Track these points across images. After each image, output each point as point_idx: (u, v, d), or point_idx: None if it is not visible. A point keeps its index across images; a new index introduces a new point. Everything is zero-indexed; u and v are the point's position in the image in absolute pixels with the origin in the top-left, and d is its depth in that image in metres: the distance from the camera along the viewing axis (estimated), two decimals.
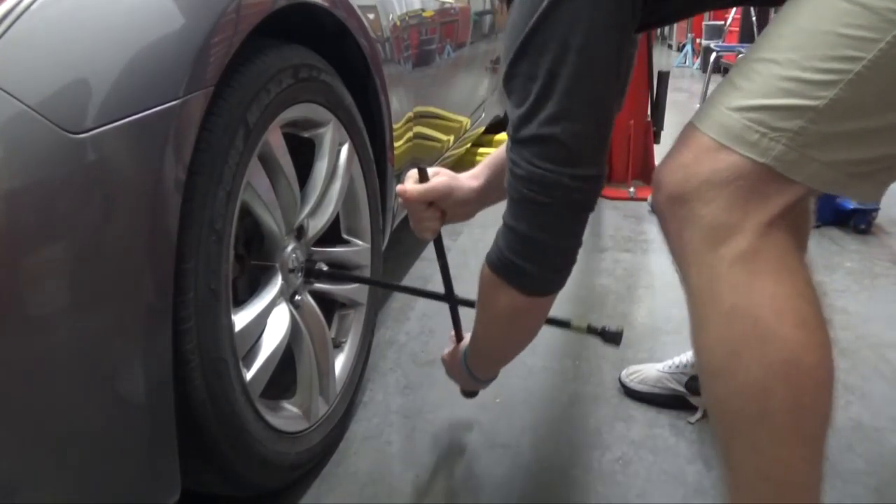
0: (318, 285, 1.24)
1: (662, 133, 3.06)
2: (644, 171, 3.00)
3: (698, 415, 1.34)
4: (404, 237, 2.39)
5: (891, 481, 1.17)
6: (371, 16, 1.36)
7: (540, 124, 0.77)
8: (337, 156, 1.23)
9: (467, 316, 1.13)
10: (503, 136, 3.45)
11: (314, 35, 1.18)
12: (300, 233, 1.17)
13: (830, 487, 1.16)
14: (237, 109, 0.91)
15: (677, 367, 1.38)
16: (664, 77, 2.93)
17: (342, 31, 1.23)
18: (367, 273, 1.38)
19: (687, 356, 1.38)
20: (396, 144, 1.54)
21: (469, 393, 1.27)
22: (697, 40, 8.46)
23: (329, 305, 1.31)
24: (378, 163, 1.41)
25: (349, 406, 1.32)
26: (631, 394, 1.42)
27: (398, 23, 1.57)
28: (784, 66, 0.67)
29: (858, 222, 2.39)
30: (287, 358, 1.11)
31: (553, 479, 1.19)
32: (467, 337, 1.14)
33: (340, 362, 1.30)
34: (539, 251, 0.85)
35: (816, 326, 0.68)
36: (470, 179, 1.10)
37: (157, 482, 0.83)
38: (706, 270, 0.70)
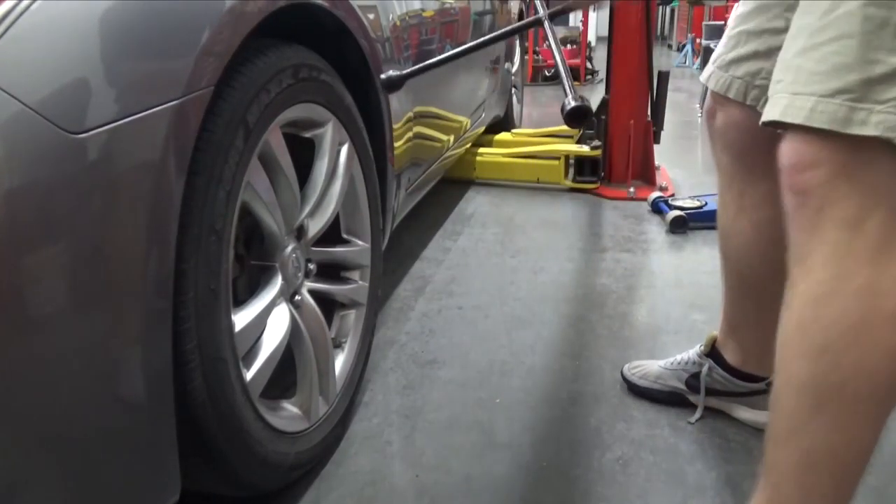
0: (318, 285, 1.24)
1: (662, 133, 3.06)
2: (644, 171, 3.00)
3: (698, 414, 1.34)
4: (404, 237, 2.39)
5: (891, 481, 1.17)
6: (371, 16, 1.36)
7: None
8: (337, 156, 1.23)
9: None
10: (503, 135, 3.46)
11: (314, 35, 1.18)
12: (300, 233, 1.17)
13: None
14: (237, 109, 0.91)
15: (679, 364, 1.38)
16: (664, 77, 2.93)
17: (342, 31, 1.23)
18: (366, 273, 1.38)
19: (689, 354, 1.38)
20: (396, 144, 1.54)
21: None
22: (697, 40, 8.46)
23: (329, 305, 1.31)
24: (378, 163, 1.41)
25: (349, 406, 1.32)
26: (632, 388, 1.43)
27: (398, 23, 1.57)
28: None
29: None
30: (287, 358, 1.11)
31: (553, 479, 1.19)
32: None
33: (340, 362, 1.30)
34: None
35: None
36: None
37: (157, 482, 0.83)
38: (842, 248, 0.72)
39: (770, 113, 0.77)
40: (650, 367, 1.43)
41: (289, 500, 1.14)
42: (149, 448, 0.80)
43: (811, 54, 0.73)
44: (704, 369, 1.33)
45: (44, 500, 0.70)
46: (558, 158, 3.01)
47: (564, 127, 3.45)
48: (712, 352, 1.34)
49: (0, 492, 0.66)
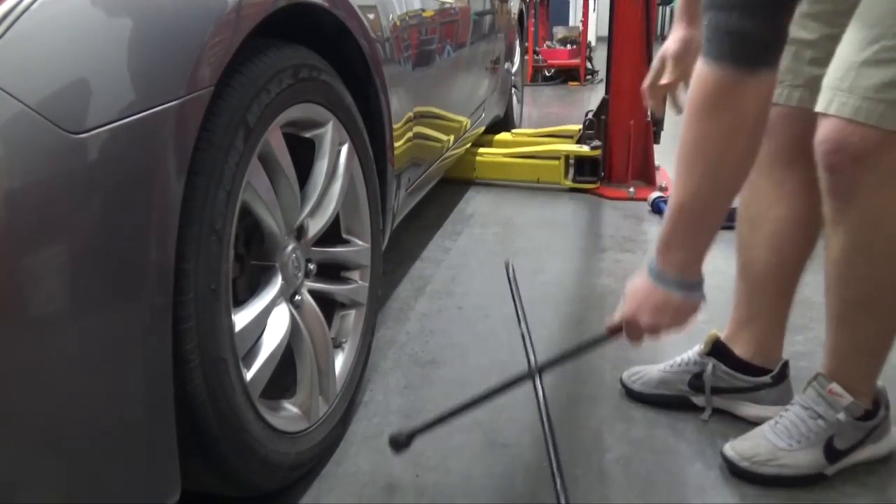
0: (318, 285, 1.24)
1: (662, 133, 3.06)
2: (644, 171, 3.00)
3: (708, 412, 1.34)
4: (404, 237, 2.39)
5: (891, 481, 1.17)
6: (371, 16, 1.36)
7: None
8: (337, 156, 1.23)
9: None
10: (503, 135, 3.46)
11: (314, 35, 1.18)
12: (300, 233, 1.17)
13: (830, 487, 1.16)
14: (237, 109, 0.91)
15: (679, 365, 1.38)
16: None
17: (342, 31, 1.23)
18: (366, 273, 1.38)
19: (689, 355, 1.38)
20: (396, 144, 1.54)
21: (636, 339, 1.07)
22: None
23: (329, 305, 1.31)
24: (378, 163, 1.41)
25: (349, 406, 1.32)
26: (633, 395, 1.41)
27: (398, 23, 1.57)
28: None
29: None
30: (287, 358, 1.11)
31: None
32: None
33: (340, 362, 1.30)
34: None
35: None
36: (684, 27, 1.25)
37: (157, 482, 0.83)
38: (878, 205, 1.02)
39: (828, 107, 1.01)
40: (650, 373, 1.42)
41: (289, 500, 1.14)
42: (149, 448, 0.80)
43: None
44: (709, 368, 1.33)
45: (44, 500, 0.70)
46: (558, 158, 3.01)
47: (564, 127, 3.45)
48: (714, 350, 1.34)
49: (0, 492, 0.66)
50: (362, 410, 1.39)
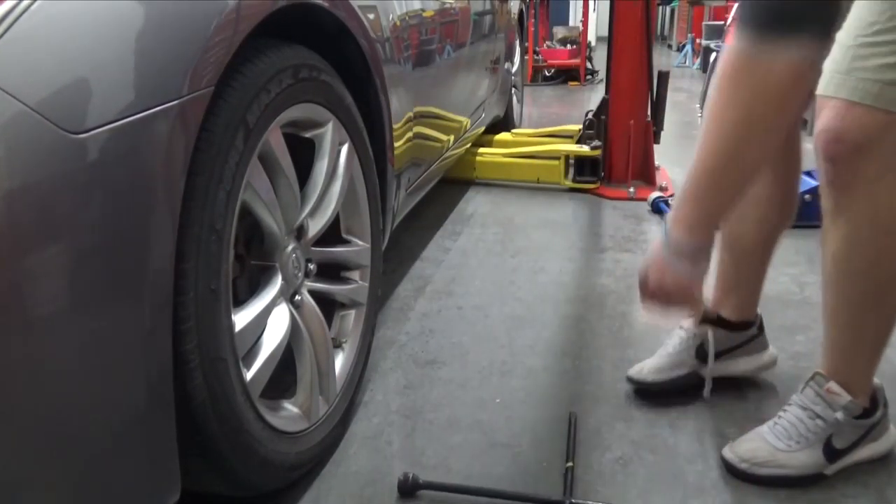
0: (318, 285, 1.24)
1: (662, 133, 3.06)
2: (644, 171, 3.00)
3: (708, 386, 1.38)
4: (404, 237, 2.39)
5: (891, 481, 1.17)
6: (371, 16, 1.36)
7: None
8: (337, 156, 1.23)
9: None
10: (503, 135, 3.46)
11: (314, 35, 1.18)
12: (300, 233, 1.17)
13: (830, 487, 1.16)
14: (237, 109, 0.91)
15: (679, 344, 1.42)
16: (664, 77, 2.93)
17: (342, 31, 1.23)
18: (366, 273, 1.38)
19: (681, 333, 1.42)
20: (396, 144, 1.54)
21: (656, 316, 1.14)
22: (697, 40, 8.46)
23: (329, 305, 1.31)
24: (378, 163, 1.41)
25: (349, 406, 1.32)
26: (645, 387, 1.41)
27: (398, 23, 1.57)
28: None
29: None
30: (287, 358, 1.11)
31: (553, 479, 1.19)
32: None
33: (340, 362, 1.30)
34: None
35: None
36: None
37: (157, 482, 0.83)
38: (877, 195, 1.02)
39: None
40: (654, 362, 1.43)
41: (289, 500, 1.14)
42: (149, 448, 0.80)
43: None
44: (709, 335, 1.38)
45: (44, 500, 0.70)
46: (558, 158, 3.01)
47: (564, 127, 3.45)
48: (707, 319, 1.39)
49: (0, 492, 0.66)
50: (362, 410, 1.39)
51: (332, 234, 1.29)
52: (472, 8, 2.50)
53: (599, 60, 5.81)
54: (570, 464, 1.20)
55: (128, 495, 0.79)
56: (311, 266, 1.22)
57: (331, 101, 1.18)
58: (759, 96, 0.90)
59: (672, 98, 3.43)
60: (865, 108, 0.97)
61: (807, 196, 1.97)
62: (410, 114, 1.68)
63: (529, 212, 2.73)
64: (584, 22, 7.27)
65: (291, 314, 1.10)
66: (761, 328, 1.45)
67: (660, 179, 2.97)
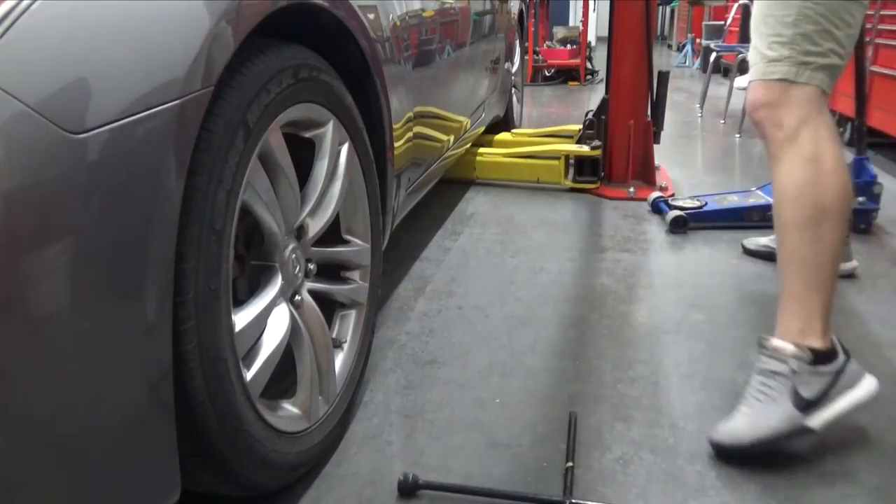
0: (318, 285, 1.24)
1: (662, 133, 3.06)
2: (644, 171, 3.00)
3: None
4: (404, 237, 2.39)
5: (891, 481, 1.18)
6: (371, 16, 1.36)
7: None
8: (337, 156, 1.23)
9: None
10: (503, 135, 3.46)
11: (314, 35, 1.18)
12: (300, 233, 1.17)
13: (830, 487, 1.16)
14: (237, 109, 0.91)
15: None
16: (664, 77, 2.93)
17: (342, 31, 1.23)
18: (366, 273, 1.38)
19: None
20: (396, 144, 1.54)
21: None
22: (697, 40, 8.46)
23: (329, 305, 1.31)
24: (378, 163, 1.41)
25: (349, 406, 1.32)
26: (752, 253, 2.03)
27: (398, 23, 1.57)
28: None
29: (858, 222, 2.39)
30: (287, 358, 1.11)
31: (553, 478, 1.19)
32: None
33: (340, 362, 1.30)
34: None
35: (847, 173, 1.23)
36: None
37: (157, 482, 0.83)
38: (798, 137, 1.22)
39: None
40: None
41: (289, 500, 1.14)
42: (149, 448, 0.80)
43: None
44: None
45: (44, 500, 0.70)
46: (558, 158, 3.01)
47: (564, 127, 3.45)
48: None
49: (0, 492, 0.66)
50: (362, 410, 1.39)
51: (332, 234, 1.29)
52: (472, 8, 2.50)
53: (599, 60, 5.81)
54: (570, 464, 1.20)
55: (128, 495, 0.79)
56: (311, 266, 1.22)
57: (331, 101, 1.18)
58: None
59: (672, 98, 3.43)
60: (762, 82, 1.24)
61: None
62: (410, 114, 1.68)
63: (529, 212, 2.73)
64: (584, 22, 7.27)
65: (291, 314, 1.10)
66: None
67: (660, 179, 2.97)
